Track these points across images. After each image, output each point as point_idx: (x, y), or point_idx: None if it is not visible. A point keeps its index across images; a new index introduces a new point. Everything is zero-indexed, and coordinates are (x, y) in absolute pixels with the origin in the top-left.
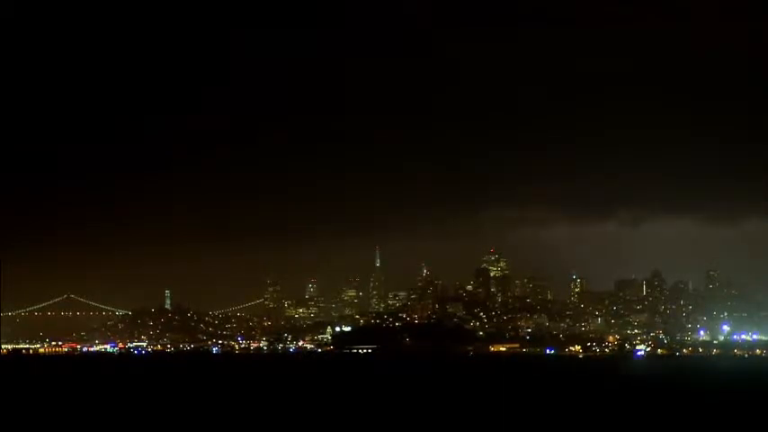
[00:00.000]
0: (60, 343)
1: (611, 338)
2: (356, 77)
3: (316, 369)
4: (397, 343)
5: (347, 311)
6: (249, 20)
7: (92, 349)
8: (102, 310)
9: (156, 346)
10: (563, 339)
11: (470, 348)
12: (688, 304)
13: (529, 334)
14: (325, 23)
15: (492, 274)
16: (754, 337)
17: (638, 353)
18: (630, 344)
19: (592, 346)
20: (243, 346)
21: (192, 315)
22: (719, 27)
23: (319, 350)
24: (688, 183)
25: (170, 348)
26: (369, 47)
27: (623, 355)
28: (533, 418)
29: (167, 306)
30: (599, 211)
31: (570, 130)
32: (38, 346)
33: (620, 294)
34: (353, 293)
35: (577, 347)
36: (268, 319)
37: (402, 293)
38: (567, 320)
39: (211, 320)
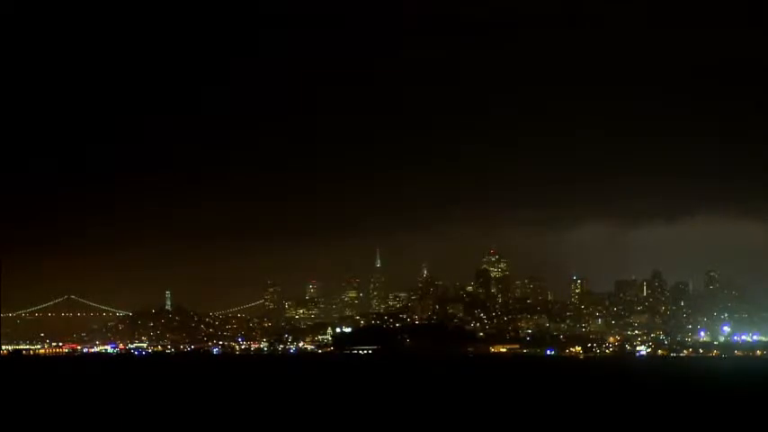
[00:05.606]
0: (61, 344)
1: (611, 339)
2: (356, 78)
3: (316, 369)
4: (398, 344)
5: (347, 312)
6: (249, 20)
7: (92, 350)
8: (103, 310)
9: (157, 347)
10: (563, 340)
11: (471, 349)
12: (688, 305)
13: (529, 335)
14: (324, 23)
15: (492, 275)
16: (755, 337)
17: (639, 353)
18: (631, 345)
19: (592, 347)
20: (243, 347)
21: (192, 316)
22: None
23: (320, 351)
24: (687, 183)
25: (170, 349)
26: (369, 47)
27: (624, 355)
28: (533, 419)
29: (168, 307)
30: (599, 212)
31: (570, 132)
32: (38, 347)
33: (621, 295)
34: (354, 294)
35: (578, 348)
36: (268, 320)
37: (402, 294)
38: (568, 321)
39: (212, 321)
